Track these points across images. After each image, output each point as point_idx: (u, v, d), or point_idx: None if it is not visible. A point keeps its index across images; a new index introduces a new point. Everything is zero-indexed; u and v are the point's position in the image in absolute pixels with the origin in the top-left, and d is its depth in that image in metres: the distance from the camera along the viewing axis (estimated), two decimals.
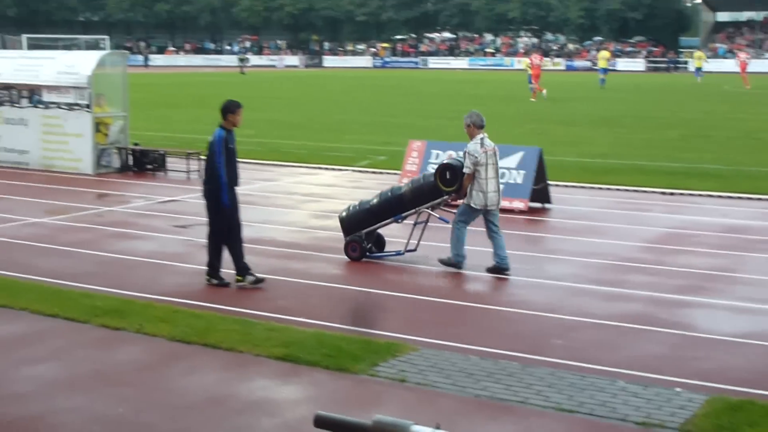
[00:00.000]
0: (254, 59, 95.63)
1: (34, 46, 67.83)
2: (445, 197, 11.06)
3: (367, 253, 11.35)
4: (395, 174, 16.86)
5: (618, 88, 49.18)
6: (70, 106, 18.43)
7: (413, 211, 11.26)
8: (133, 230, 13.11)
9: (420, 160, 15.98)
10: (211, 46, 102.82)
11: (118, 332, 8.15)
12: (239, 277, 9.92)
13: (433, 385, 6.91)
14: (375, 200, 11.52)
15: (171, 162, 18.90)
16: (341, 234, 11.56)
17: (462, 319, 9.04)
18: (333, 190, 17.09)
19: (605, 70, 51.66)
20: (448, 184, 10.82)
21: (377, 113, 34.14)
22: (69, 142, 18.54)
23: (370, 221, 11.33)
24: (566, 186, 16.87)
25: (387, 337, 8.11)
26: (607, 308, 9.29)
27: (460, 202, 11.06)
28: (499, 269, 10.59)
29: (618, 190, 16.72)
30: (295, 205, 15.45)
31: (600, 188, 16.92)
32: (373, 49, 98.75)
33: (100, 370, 7.24)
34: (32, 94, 18.99)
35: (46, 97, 18.77)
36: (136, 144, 19.43)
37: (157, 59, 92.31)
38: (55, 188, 16.67)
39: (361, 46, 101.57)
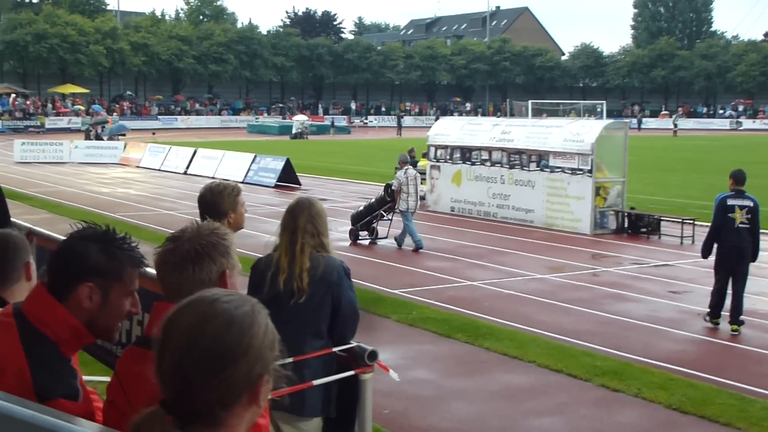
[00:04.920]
0: (747, 123, 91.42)
1: (537, 110, 71.22)
2: (389, 203, 16.70)
3: (359, 239, 17.08)
4: None
5: None
6: (573, 171, 19.02)
7: (376, 213, 16.90)
8: (627, 292, 13.08)
9: None
10: (703, 110, 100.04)
11: (617, 394, 8.18)
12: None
13: None
14: (362, 207, 17.29)
15: (665, 226, 18.62)
16: None
17: None
18: None
19: None
20: (390, 196, 16.60)
21: None
22: (570, 204, 19.11)
23: (360, 219, 16.96)
24: None
25: None
26: None
27: None
28: (416, 248, 16.12)
29: None
30: None
31: None
32: None
33: (600, 429, 7.32)
34: (540, 159, 19.87)
35: (552, 161, 19.54)
36: (632, 208, 19.47)
37: (649, 122, 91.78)
38: (555, 246, 17.19)
39: None
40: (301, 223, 4.88)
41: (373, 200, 17.37)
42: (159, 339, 1.80)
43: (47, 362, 2.57)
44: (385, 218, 17.27)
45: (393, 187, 16.49)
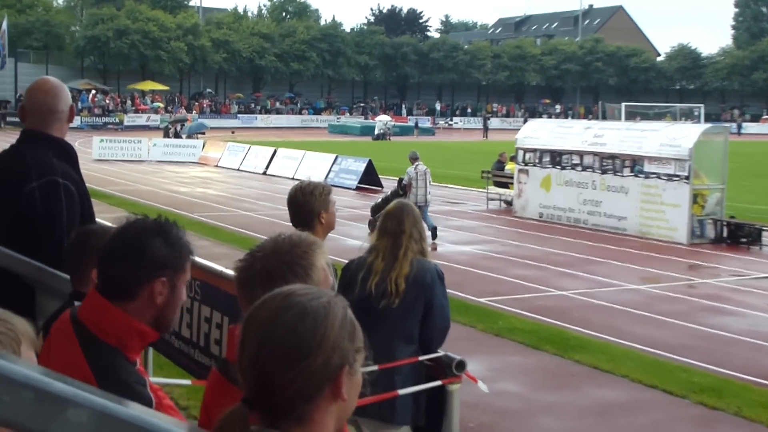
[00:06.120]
0: None
1: (630, 113, 70.05)
2: (401, 196, 16.52)
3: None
4: None
5: None
6: (670, 177, 18.65)
7: None
8: (726, 305, 12.77)
9: None
10: None
11: (716, 412, 7.98)
12: None
13: None
14: (380, 199, 19.00)
15: (767, 237, 18.11)
16: None
17: None
18: None
19: None
20: (402, 189, 18.12)
21: None
22: (665, 212, 18.75)
23: (378, 210, 16.83)
24: None
25: None
26: None
27: None
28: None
29: None
30: None
31: None
32: None
33: None
34: (634, 164, 19.54)
35: (647, 167, 19.20)
36: (732, 216, 19.00)
37: (750, 127, 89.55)
38: (649, 255, 16.87)
39: None
40: (407, 227, 4.89)
41: (389, 192, 19.00)
42: (240, 337, 1.82)
43: (113, 372, 2.53)
44: None
45: (404, 182, 18.30)
